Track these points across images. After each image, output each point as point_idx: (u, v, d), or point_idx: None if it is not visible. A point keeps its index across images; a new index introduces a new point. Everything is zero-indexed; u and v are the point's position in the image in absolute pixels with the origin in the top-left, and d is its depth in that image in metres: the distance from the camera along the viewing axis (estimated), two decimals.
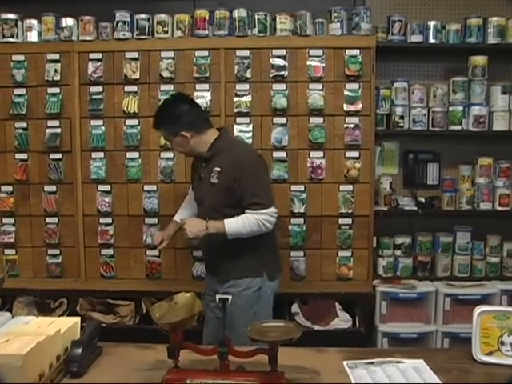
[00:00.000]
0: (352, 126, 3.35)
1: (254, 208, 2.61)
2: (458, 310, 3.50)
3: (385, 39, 3.55)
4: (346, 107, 3.34)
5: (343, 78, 3.34)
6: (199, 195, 2.84)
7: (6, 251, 3.54)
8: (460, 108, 3.57)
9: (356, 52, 3.31)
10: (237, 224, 2.60)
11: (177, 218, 3.03)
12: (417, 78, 3.76)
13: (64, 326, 1.91)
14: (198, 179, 2.82)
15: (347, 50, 3.31)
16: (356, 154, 3.37)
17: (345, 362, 1.93)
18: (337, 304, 3.48)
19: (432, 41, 3.54)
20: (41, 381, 1.69)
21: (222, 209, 2.67)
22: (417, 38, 3.52)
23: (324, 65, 3.33)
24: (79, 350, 1.84)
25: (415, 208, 3.67)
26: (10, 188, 3.50)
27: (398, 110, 3.60)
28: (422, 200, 3.73)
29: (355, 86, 3.33)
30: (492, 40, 3.51)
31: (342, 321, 3.40)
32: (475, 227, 3.68)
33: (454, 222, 3.72)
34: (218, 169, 2.66)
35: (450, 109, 3.59)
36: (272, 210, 2.65)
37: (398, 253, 3.68)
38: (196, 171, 2.87)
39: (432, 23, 3.53)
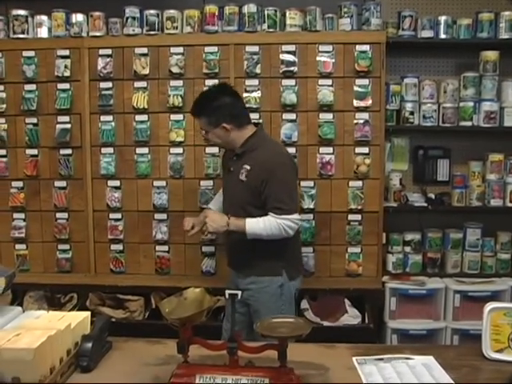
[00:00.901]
0: (362, 121, 3.34)
1: (276, 212, 2.59)
2: (467, 306, 3.49)
3: (395, 34, 3.53)
4: (355, 103, 3.33)
5: (353, 73, 3.33)
6: (226, 188, 2.85)
7: (17, 246, 3.57)
8: (471, 104, 3.55)
9: (366, 47, 3.30)
10: (258, 225, 2.59)
11: (211, 205, 3.06)
12: (427, 73, 3.74)
13: (74, 320, 1.91)
14: (227, 171, 2.82)
15: (357, 46, 3.30)
16: (366, 149, 3.36)
17: (354, 358, 1.93)
18: (346, 300, 3.48)
19: (443, 36, 3.51)
20: (51, 375, 1.69)
21: (247, 207, 2.66)
22: (427, 34, 3.50)
23: (334, 60, 3.32)
24: (89, 345, 1.85)
25: (425, 204, 3.66)
26: (20, 183, 3.52)
27: (408, 106, 3.58)
28: (432, 196, 3.72)
29: (365, 81, 3.32)
30: (504, 35, 3.48)
31: (351, 317, 3.39)
32: (485, 224, 3.67)
33: (464, 218, 3.71)
34: (248, 167, 2.64)
35: (461, 104, 3.57)
36: (294, 216, 2.62)
37: (408, 249, 3.67)
38: (226, 163, 2.86)
39: (443, 18, 3.50)
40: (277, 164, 2.64)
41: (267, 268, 2.71)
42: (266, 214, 2.61)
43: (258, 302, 2.71)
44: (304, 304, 3.46)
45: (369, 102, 3.32)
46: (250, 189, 2.64)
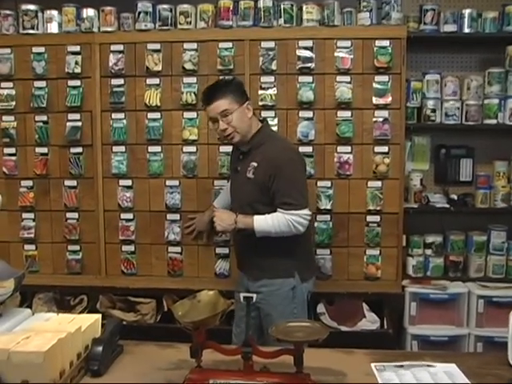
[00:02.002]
0: (381, 119, 3.32)
1: (284, 208, 2.60)
2: (492, 312, 3.46)
3: (416, 29, 3.51)
4: (374, 100, 3.32)
5: (372, 69, 3.31)
6: (234, 188, 2.86)
7: (26, 247, 3.60)
8: (496, 101, 3.52)
9: (386, 43, 3.28)
10: (266, 222, 2.61)
11: (215, 203, 3.12)
12: (450, 69, 3.72)
13: (85, 323, 1.93)
14: (234, 171, 2.84)
15: (377, 41, 3.28)
16: (385, 148, 3.35)
17: (373, 365, 1.92)
18: (364, 304, 3.47)
19: (467, 30, 3.49)
20: (61, 379, 1.70)
21: (256, 205, 2.68)
22: (450, 28, 3.48)
23: (352, 56, 3.31)
24: (100, 348, 1.86)
25: (447, 205, 3.63)
26: (30, 183, 3.55)
27: (430, 103, 3.56)
28: (455, 197, 3.70)
29: (385, 78, 3.31)
30: None
31: (369, 322, 3.38)
32: (511, 226, 3.64)
33: (488, 220, 3.68)
34: (255, 164, 2.67)
35: (485, 102, 3.54)
36: (304, 212, 2.63)
37: (429, 252, 3.65)
38: (233, 163, 2.89)
39: (467, 11, 3.48)
40: (284, 159, 2.65)
41: (279, 269, 2.72)
42: (275, 212, 2.62)
43: (269, 305, 2.72)
44: (320, 308, 3.45)
45: (388, 100, 3.31)
46: (258, 185, 2.66)
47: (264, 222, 2.61)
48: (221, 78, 2.99)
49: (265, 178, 2.63)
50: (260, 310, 2.77)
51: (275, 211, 2.63)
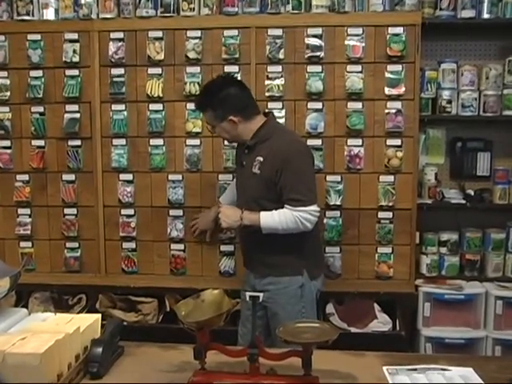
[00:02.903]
0: (394, 111, 3.32)
1: (292, 204, 2.61)
2: (511, 314, 3.45)
3: (432, 15, 3.49)
4: (387, 91, 3.31)
5: (385, 58, 3.30)
6: (240, 183, 2.88)
7: (22, 244, 3.61)
8: None
9: (399, 30, 3.27)
10: (272, 218, 2.62)
11: (221, 199, 3.16)
12: (467, 57, 3.70)
13: (84, 323, 1.93)
14: (239, 166, 2.86)
15: (389, 28, 3.27)
16: (398, 141, 3.34)
17: (384, 368, 1.92)
18: (375, 305, 3.47)
19: (486, 16, 3.46)
20: (59, 381, 1.71)
21: (262, 201, 2.69)
22: (468, 13, 3.45)
23: (364, 44, 3.30)
24: (100, 350, 1.86)
25: (463, 201, 3.62)
26: (26, 177, 3.56)
27: (446, 94, 3.55)
28: (471, 193, 3.68)
29: (398, 67, 3.30)
30: None
31: (380, 323, 3.38)
32: None
33: (506, 217, 3.67)
34: (261, 158, 2.68)
35: (505, 92, 3.52)
36: (312, 208, 2.65)
37: (444, 250, 3.64)
38: (238, 158, 2.91)
39: None
40: (291, 152, 2.66)
41: (286, 267, 2.73)
42: (282, 208, 2.63)
43: (276, 304, 2.73)
44: (330, 308, 3.45)
45: (402, 90, 3.30)
46: (264, 181, 2.66)
47: (270, 219, 2.62)
48: (211, 80, 2.96)
49: (271, 173, 2.64)
50: (267, 310, 2.78)
51: (282, 207, 2.63)
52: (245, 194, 2.81)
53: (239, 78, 3.08)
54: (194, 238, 3.42)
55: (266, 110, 2.94)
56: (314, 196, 2.71)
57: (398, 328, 3.33)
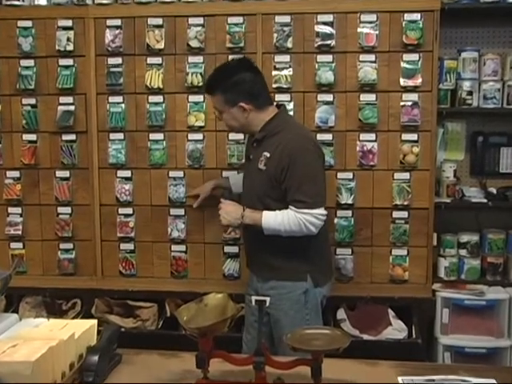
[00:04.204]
0: (410, 103, 3.31)
1: (296, 206, 2.60)
2: None
3: (451, 0, 3.48)
4: (402, 82, 3.30)
5: (400, 47, 3.30)
6: (246, 178, 2.89)
7: (13, 245, 3.63)
8: None
9: (416, 16, 3.26)
10: (275, 219, 2.61)
11: (231, 178, 3.22)
12: (490, 45, 3.70)
13: (79, 329, 1.94)
14: (247, 159, 2.87)
15: (406, 14, 3.27)
16: (414, 136, 3.34)
17: (400, 378, 1.92)
18: (390, 310, 3.47)
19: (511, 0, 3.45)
20: None
21: (266, 200, 2.69)
22: None
23: (378, 32, 3.30)
24: (96, 358, 1.86)
25: (484, 200, 3.61)
26: (16, 173, 3.58)
27: (466, 85, 3.54)
28: (493, 191, 3.68)
29: (414, 56, 3.29)
30: None
31: (395, 330, 3.38)
32: None
33: None
34: (268, 154, 2.67)
35: None
36: (318, 211, 2.63)
37: (463, 252, 3.64)
38: (247, 150, 2.91)
39: None
40: (299, 150, 2.64)
41: (289, 271, 2.73)
42: (286, 209, 2.63)
43: (278, 310, 2.72)
44: (341, 314, 3.45)
45: (418, 81, 3.29)
46: (269, 179, 2.66)
47: (273, 220, 2.62)
48: (229, 60, 2.97)
49: (277, 171, 2.63)
50: (269, 316, 2.78)
51: (287, 208, 2.63)
52: (249, 190, 2.81)
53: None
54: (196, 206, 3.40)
55: (279, 103, 2.92)
56: (321, 199, 2.69)
57: (413, 335, 3.33)
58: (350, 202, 3.37)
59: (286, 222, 2.60)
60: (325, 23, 3.31)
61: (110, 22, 3.43)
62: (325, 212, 2.67)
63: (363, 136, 3.35)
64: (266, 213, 2.63)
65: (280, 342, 2.50)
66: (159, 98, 3.43)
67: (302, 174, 2.61)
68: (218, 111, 2.77)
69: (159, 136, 3.46)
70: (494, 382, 1.90)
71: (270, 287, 2.74)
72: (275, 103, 2.86)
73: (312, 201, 2.61)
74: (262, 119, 2.72)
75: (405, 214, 3.38)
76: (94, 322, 2.06)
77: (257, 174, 2.71)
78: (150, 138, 3.47)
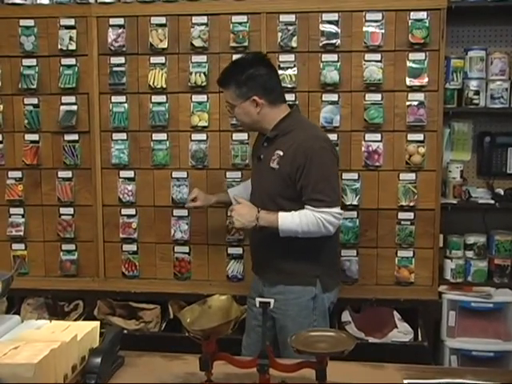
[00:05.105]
0: (416, 103, 3.31)
1: (314, 205, 2.58)
2: None
3: None
4: (408, 81, 3.30)
5: (406, 46, 3.30)
6: (255, 178, 2.86)
7: (14, 246, 3.63)
8: None
9: (422, 14, 3.26)
10: (292, 220, 2.59)
11: (231, 192, 3.12)
12: (497, 44, 3.70)
13: (81, 331, 1.94)
14: (256, 160, 2.84)
15: (412, 13, 3.26)
16: (420, 136, 3.33)
17: (405, 381, 1.92)
18: (395, 313, 3.46)
19: None
20: None
21: (279, 200, 2.67)
22: None
23: (383, 31, 3.29)
24: (98, 360, 1.87)
25: (492, 201, 3.60)
26: (18, 174, 3.58)
27: (473, 84, 3.53)
28: (501, 192, 3.67)
29: (421, 55, 3.29)
30: None
31: (401, 333, 3.37)
32: None
33: None
34: (281, 153, 2.65)
35: None
36: (336, 210, 2.62)
37: (470, 254, 3.63)
38: (256, 150, 2.88)
39: None
40: (315, 149, 2.62)
41: (298, 275, 2.71)
42: (301, 209, 2.61)
43: (285, 315, 2.71)
44: (346, 316, 3.45)
45: (425, 80, 3.29)
46: (283, 178, 2.64)
47: (290, 220, 2.59)
48: (243, 56, 2.98)
49: (291, 170, 2.61)
50: (275, 321, 2.76)
51: (301, 208, 2.61)
52: (260, 190, 2.78)
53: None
54: (186, 207, 3.33)
55: (292, 103, 2.92)
56: (338, 197, 2.69)
57: (419, 338, 3.33)
58: (355, 202, 3.36)
59: (304, 222, 2.58)
60: (330, 22, 3.31)
61: (112, 21, 3.43)
62: (341, 211, 2.67)
63: (368, 136, 3.35)
64: (282, 214, 2.60)
65: (285, 347, 2.48)
66: (162, 98, 3.44)
67: (319, 172, 2.60)
68: (230, 106, 2.76)
69: (162, 136, 3.46)
70: None
71: (278, 292, 2.71)
72: (288, 103, 2.84)
73: (330, 199, 2.60)
74: (274, 117, 2.71)
75: (411, 215, 3.37)
76: (97, 323, 2.06)
77: (269, 173, 2.69)
78: (153, 138, 3.47)
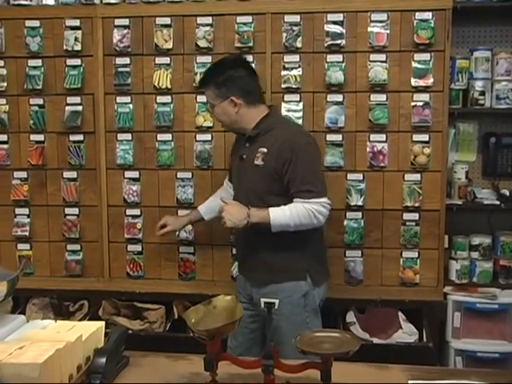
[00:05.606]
0: (421, 103, 3.31)
1: (304, 196, 2.63)
2: None
3: None
4: (413, 82, 3.30)
5: (411, 46, 3.29)
6: (239, 179, 2.89)
7: (20, 246, 3.64)
8: None
9: (428, 15, 3.25)
10: (283, 214, 2.62)
11: (201, 208, 3.20)
12: (503, 44, 3.68)
13: (86, 331, 1.94)
14: (238, 161, 2.86)
15: (417, 13, 3.26)
16: (425, 137, 3.33)
17: (410, 382, 1.92)
18: (400, 314, 3.45)
19: None
20: None
21: (266, 196, 2.71)
22: None
23: (388, 31, 3.29)
24: (103, 360, 1.87)
25: (497, 202, 3.59)
26: (24, 174, 3.59)
27: (478, 85, 3.52)
28: (506, 193, 3.65)
29: (426, 56, 3.29)
30: None
31: (406, 333, 3.37)
32: None
33: None
34: (265, 150, 2.70)
35: None
36: (325, 199, 2.68)
37: (475, 255, 3.62)
38: (237, 152, 2.91)
39: None
40: (301, 143, 2.71)
41: (288, 271, 2.75)
42: (289, 203, 2.65)
43: (279, 315, 2.67)
44: (350, 317, 3.44)
45: (430, 81, 3.29)
46: (269, 173, 2.69)
47: (281, 214, 2.63)
48: (223, 57, 3.01)
49: (277, 165, 2.67)
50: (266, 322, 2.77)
51: (288, 203, 2.65)
52: (245, 189, 2.80)
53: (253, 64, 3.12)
54: (157, 236, 3.34)
55: (271, 104, 2.99)
56: (325, 188, 2.75)
57: (424, 339, 3.32)
58: (359, 203, 3.36)
59: (295, 214, 2.62)
60: (335, 22, 3.31)
61: (117, 22, 3.44)
62: (329, 201, 2.72)
63: (373, 137, 3.35)
64: (272, 209, 2.64)
65: (281, 347, 2.48)
66: (167, 99, 3.44)
67: (306, 165, 2.67)
68: (211, 105, 2.87)
69: (167, 136, 3.47)
70: None
71: (269, 292, 2.71)
72: (267, 105, 2.90)
73: (318, 190, 2.67)
74: (253, 117, 2.78)
75: (416, 215, 3.37)
76: (102, 323, 2.06)
77: (254, 171, 2.74)
78: (158, 138, 3.48)
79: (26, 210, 3.61)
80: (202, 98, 3.38)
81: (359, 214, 3.39)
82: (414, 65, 3.29)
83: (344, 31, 3.31)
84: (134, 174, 3.52)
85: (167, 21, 3.41)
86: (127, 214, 3.54)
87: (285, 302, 2.68)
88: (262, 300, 1.78)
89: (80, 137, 3.52)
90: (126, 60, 3.46)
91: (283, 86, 3.34)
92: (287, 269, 2.74)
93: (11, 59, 3.54)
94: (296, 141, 2.70)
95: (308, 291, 2.75)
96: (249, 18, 3.35)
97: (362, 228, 3.40)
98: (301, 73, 3.35)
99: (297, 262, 2.75)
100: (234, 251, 3.45)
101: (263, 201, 2.70)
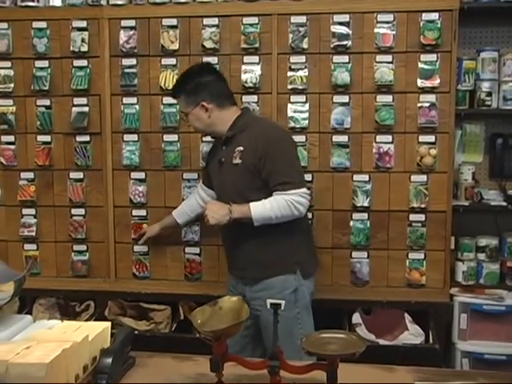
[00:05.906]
0: (427, 105, 3.30)
1: (282, 188, 2.69)
2: None
3: None
4: (420, 83, 3.29)
5: (418, 47, 3.29)
6: (220, 182, 2.93)
7: (26, 246, 3.65)
8: None
9: (434, 16, 3.25)
10: (264, 207, 2.68)
11: (174, 213, 3.31)
12: (510, 45, 3.68)
13: (92, 331, 1.93)
14: (217, 165, 2.91)
15: (423, 14, 3.26)
16: (432, 138, 3.32)
17: None
18: (406, 315, 3.45)
19: None
20: None
21: (247, 192, 2.76)
22: None
23: (395, 32, 3.29)
24: (109, 360, 1.87)
25: (504, 203, 3.58)
26: (31, 175, 3.60)
27: (485, 86, 3.52)
28: None
29: (432, 57, 3.28)
30: None
31: (412, 335, 3.36)
32: None
33: None
34: (241, 148, 2.77)
35: None
36: (303, 190, 2.73)
37: (482, 256, 3.62)
38: (214, 157, 2.98)
39: None
40: (275, 137, 2.80)
41: (279, 264, 2.80)
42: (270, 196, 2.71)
43: (270, 312, 2.71)
44: (356, 318, 3.44)
45: (436, 82, 3.28)
46: (248, 169, 2.75)
47: (262, 208, 2.69)
48: (190, 67, 3.05)
49: (255, 161, 2.73)
50: (258, 320, 2.81)
51: (270, 196, 2.71)
52: (227, 190, 2.86)
53: (218, 68, 3.19)
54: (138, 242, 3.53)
55: (242, 106, 3.09)
56: (303, 178, 2.83)
57: (431, 341, 3.31)
58: (366, 204, 3.36)
59: (276, 206, 2.67)
60: (341, 23, 3.31)
61: (124, 23, 3.45)
62: (308, 191, 2.78)
63: (379, 138, 3.35)
64: (253, 203, 2.70)
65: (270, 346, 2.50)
66: (173, 99, 3.44)
67: (282, 158, 2.75)
68: (184, 114, 2.93)
69: (173, 137, 3.48)
70: None
71: (261, 288, 2.79)
72: (240, 107, 3.00)
73: (296, 181, 2.74)
74: (226, 119, 2.85)
75: (422, 216, 3.37)
76: (108, 324, 2.06)
77: (233, 170, 2.79)
78: (164, 139, 3.49)
79: (32, 211, 3.62)
80: None
81: (365, 215, 3.39)
82: (421, 66, 3.29)
83: (350, 32, 3.31)
84: (140, 175, 3.52)
85: (173, 22, 3.42)
86: (133, 214, 3.55)
87: (276, 298, 2.69)
88: (268, 301, 1.78)
89: (86, 137, 3.53)
90: (133, 61, 3.47)
91: (289, 86, 3.34)
92: (276, 263, 2.80)
93: (18, 60, 3.56)
94: (270, 135, 2.78)
95: (297, 287, 2.80)
96: (255, 19, 3.36)
97: (368, 229, 3.39)
98: (307, 74, 3.35)
99: (286, 255, 2.81)
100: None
101: (244, 198, 2.75)
